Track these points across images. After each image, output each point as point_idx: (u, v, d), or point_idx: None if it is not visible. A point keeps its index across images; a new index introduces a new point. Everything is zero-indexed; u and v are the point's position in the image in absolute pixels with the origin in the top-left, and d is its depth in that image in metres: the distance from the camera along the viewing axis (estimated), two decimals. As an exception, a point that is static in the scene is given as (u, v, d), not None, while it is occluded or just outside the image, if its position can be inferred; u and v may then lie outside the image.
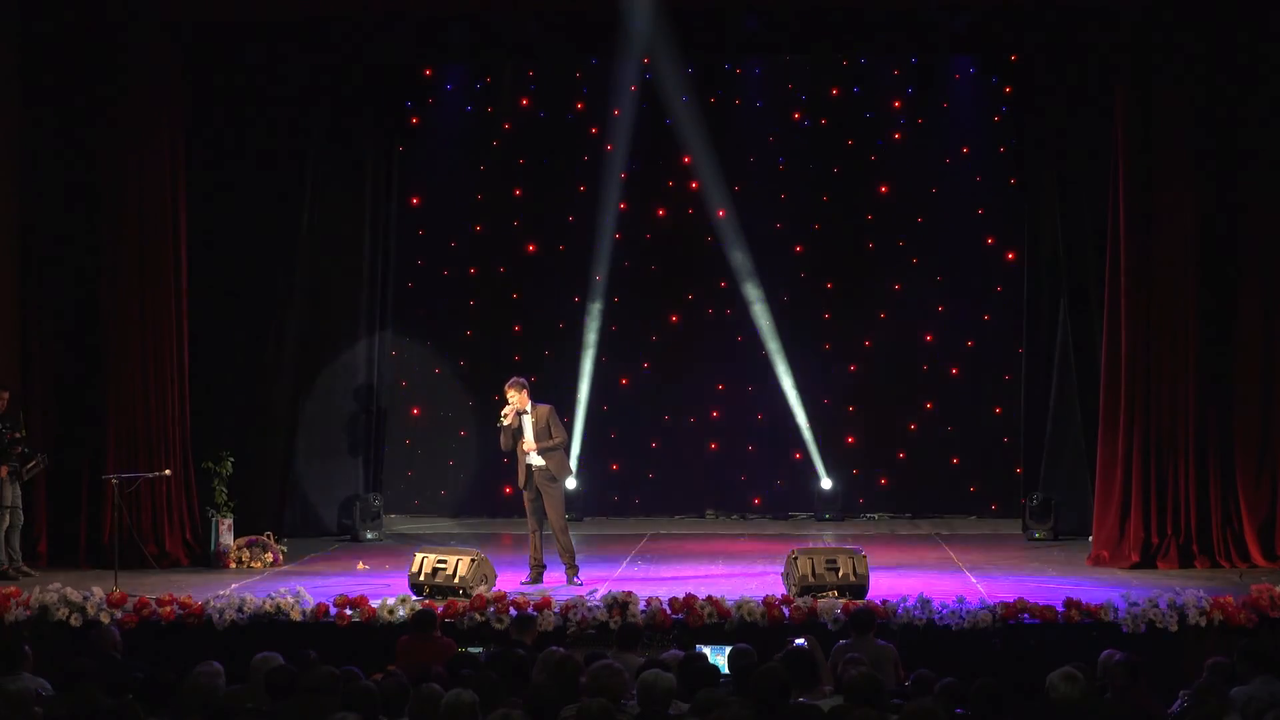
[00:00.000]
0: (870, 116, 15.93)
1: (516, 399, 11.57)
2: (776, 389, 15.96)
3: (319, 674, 6.76)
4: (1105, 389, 12.98)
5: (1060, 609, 10.06)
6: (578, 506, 14.96)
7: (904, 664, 8.56)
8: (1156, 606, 10.00)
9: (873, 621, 8.94)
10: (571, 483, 13.48)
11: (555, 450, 11.63)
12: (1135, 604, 10.05)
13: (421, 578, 11.04)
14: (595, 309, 15.87)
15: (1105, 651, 7.53)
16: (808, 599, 10.30)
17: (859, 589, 10.72)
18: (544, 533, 11.72)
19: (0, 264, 12.90)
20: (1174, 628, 9.93)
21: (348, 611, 10.40)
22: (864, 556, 10.97)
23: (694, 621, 10.12)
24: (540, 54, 15.43)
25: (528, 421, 11.57)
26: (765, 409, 16.21)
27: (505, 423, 11.54)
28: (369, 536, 14.70)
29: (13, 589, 10.89)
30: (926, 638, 9.91)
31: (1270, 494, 12.55)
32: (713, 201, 15.77)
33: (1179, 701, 7.04)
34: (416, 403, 16.67)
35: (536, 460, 11.58)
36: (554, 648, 7.97)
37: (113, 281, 13.09)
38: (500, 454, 15.85)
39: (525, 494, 11.66)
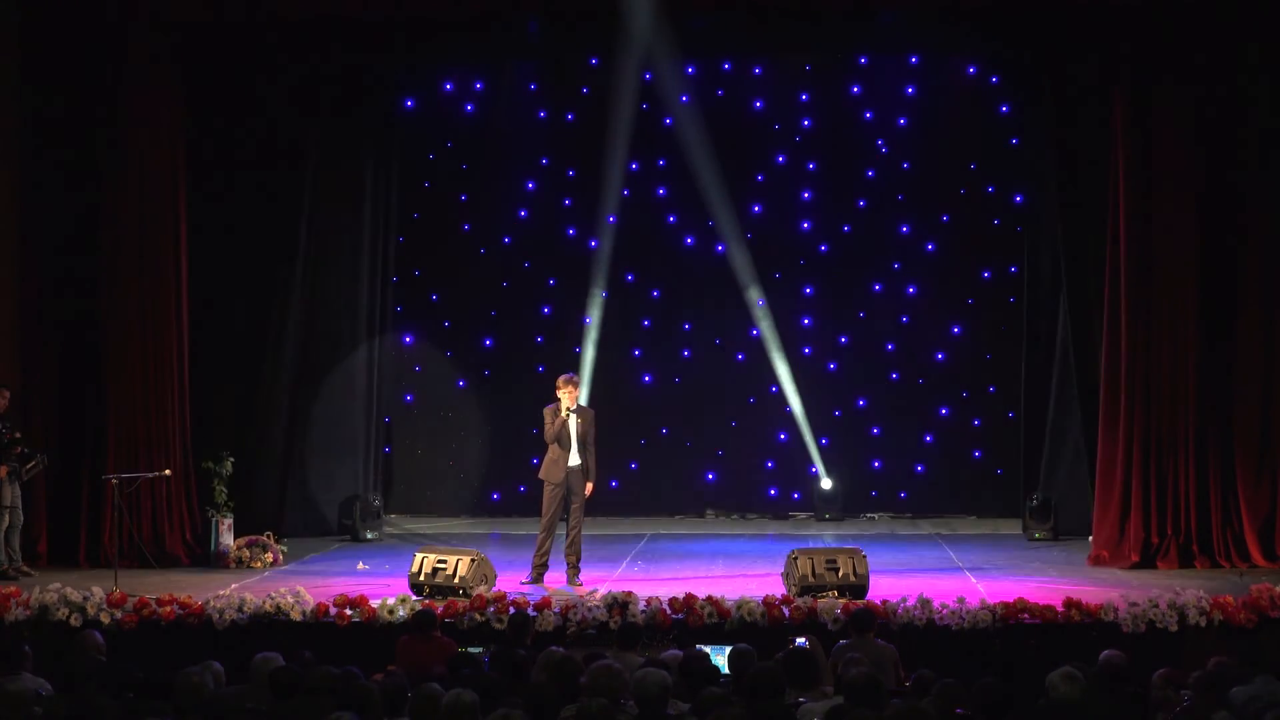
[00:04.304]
0: (870, 117, 15.92)
1: (571, 395, 11.61)
2: (776, 389, 15.97)
3: (319, 674, 6.76)
4: (1105, 389, 12.99)
5: (1060, 609, 10.07)
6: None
7: (904, 664, 8.56)
8: (1156, 606, 10.00)
9: (873, 621, 8.94)
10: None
11: (590, 453, 11.71)
12: (1135, 604, 10.05)
13: (421, 578, 11.04)
14: (596, 309, 15.88)
15: (1105, 652, 7.53)
16: (808, 599, 10.30)
17: (859, 589, 10.72)
18: (555, 535, 11.70)
19: (0, 264, 12.89)
20: (1174, 628, 9.93)
21: (348, 611, 10.40)
22: (864, 556, 10.97)
23: (694, 621, 10.12)
24: (540, 54, 15.43)
25: (573, 419, 11.61)
26: (765, 409, 16.20)
27: (560, 417, 11.60)
28: (369, 536, 14.70)
29: (13, 589, 10.89)
30: (926, 638, 9.91)
31: (1270, 494, 12.56)
32: (713, 202, 15.78)
33: (1183, 700, 7.03)
34: (417, 403, 16.66)
35: (575, 459, 11.61)
36: (554, 648, 7.98)
37: (113, 281, 13.10)
38: (500, 454, 16.10)
39: (554, 491, 11.62)
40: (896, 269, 16.13)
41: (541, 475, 11.77)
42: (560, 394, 11.66)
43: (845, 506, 15.95)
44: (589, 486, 11.76)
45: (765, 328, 15.84)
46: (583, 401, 12.07)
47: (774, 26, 14.13)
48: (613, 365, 16.04)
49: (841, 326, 16.16)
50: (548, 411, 11.73)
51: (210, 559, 13.02)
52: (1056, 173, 14.49)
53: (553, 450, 11.67)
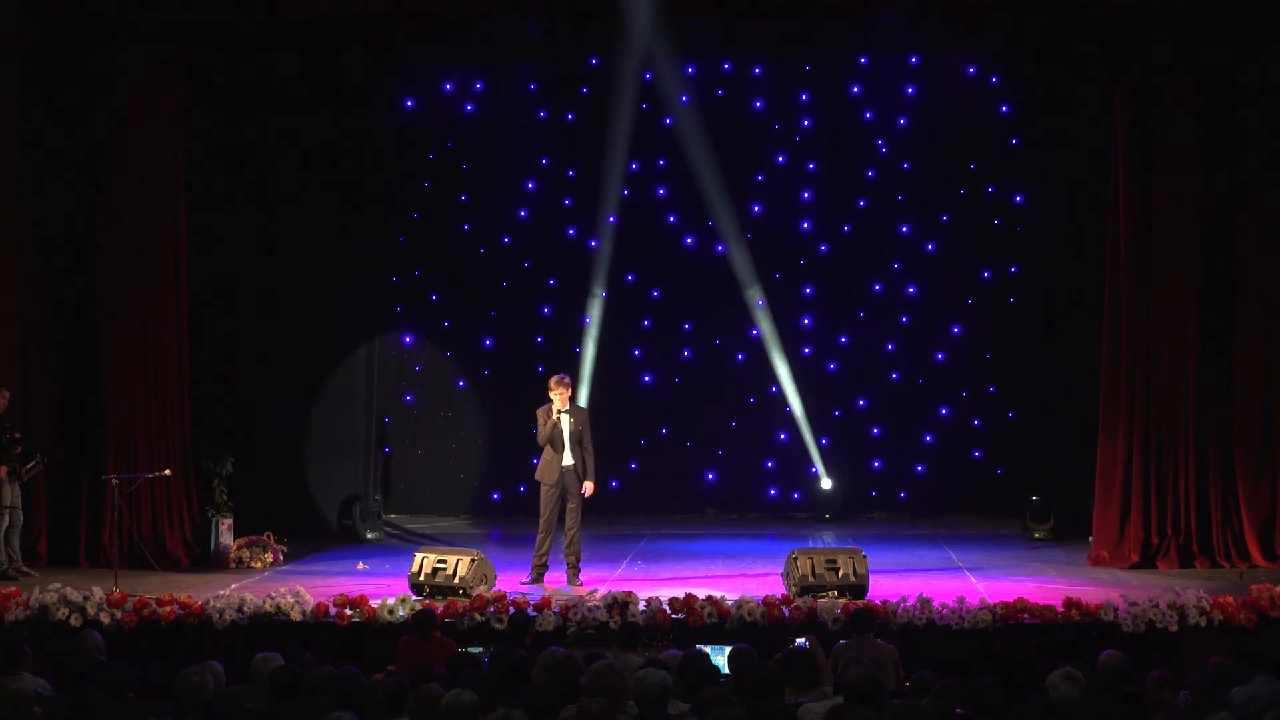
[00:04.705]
0: (870, 117, 15.92)
1: (561, 396, 11.61)
2: (777, 389, 15.98)
3: (319, 674, 6.76)
4: (1105, 389, 12.99)
5: (1060, 609, 10.07)
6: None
7: (904, 664, 8.56)
8: (1156, 606, 10.00)
9: (873, 621, 8.94)
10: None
11: (588, 452, 11.69)
12: (1135, 604, 10.05)
13: (421, 578, 11.04)
14: (596, 309, 15.88)
15: (1105, 652, 7.53)
16: (808, 599, 10.30)
17: (859, 589, 10.72)
18: (554, 535, 11.69)
19: (0, 264, 12.89)
20: (1174, 628, 9.93)
21: (348, 611, 10.40)
22: (864, 556, 10.97)
23: (694, 621, 10.12)
24: (540, 54, 15.43)
25: (565, 420, 11.60)
26: (765, 409, 16.20)
27: (552, 419, 11.59)
28: (369, 536, 14.72)
29: (13, 589, 10.88)
30: (926, 638, 9.91)
31: (1270, 494, 12.56)
32: (713, 202, 15.79)
33: (1182, 701, 7.03)
34: (417, 403, 16.66)
35: (569, 459, 11.60)
36: (554, 648, 7.98)
37: (112, 281, 13.10)
38: (500, 454, 16.09)
39: (550, 492, 11.61)
40: (896, 269, 16.11)
41: (537, 476, 11.77)
42: (552, 395, 11.67)
43: (845, 506, 15.96)
44: (588, 486, 11.72)
45: (765, 328, 15.84)
46: (582, 403, 12.07)
47: (774, 26, 14.13)
48: (613, 365, 16.04)
49: (841, 326, 16.15)
50: (540, 413, 11.74)
51: (210, 559, 13.03)
52: (1056, 173, 14.52)
53: (547, 451, 11.67)
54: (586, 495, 11.69)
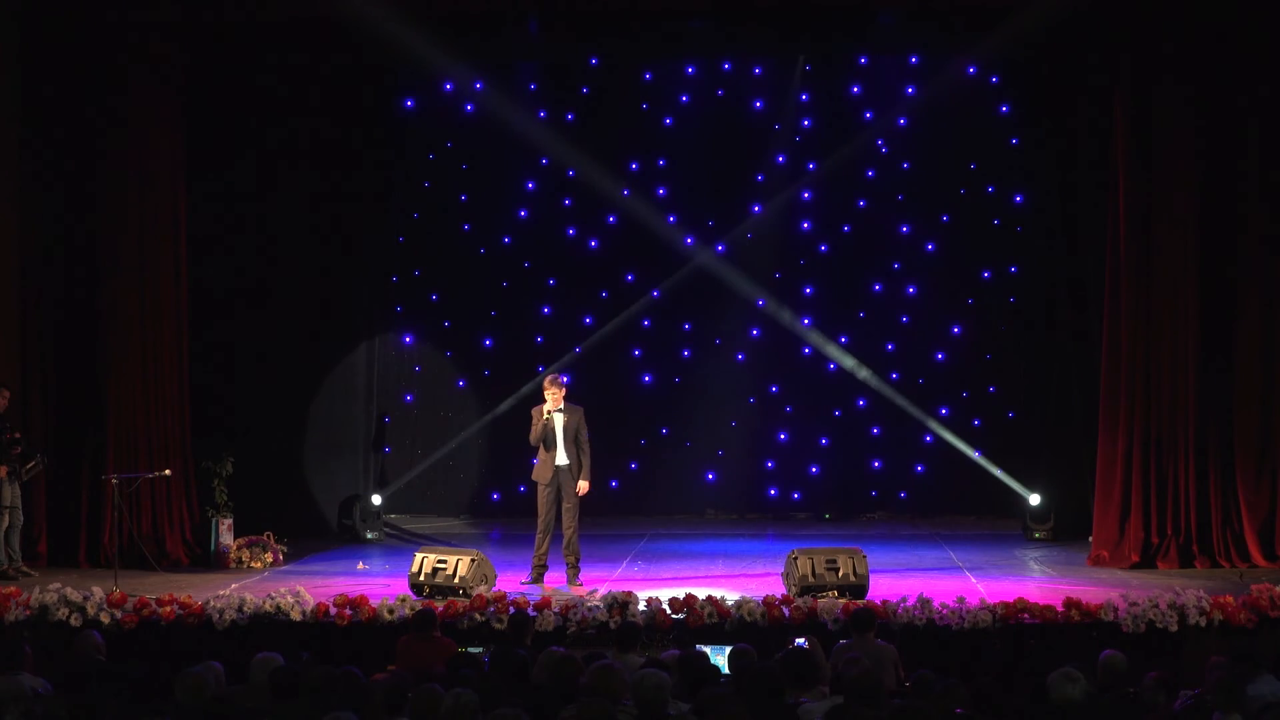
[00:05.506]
0: (870, 117, 15.91)
1: (554, 396, 11.60)
2: (777, 389, 15.98)
3: (319, 674, 6.76)
4: (1105, 389, 12.99)
5: (1060, 609, 10.07)
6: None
7: (904, 664, 8.56)
8: (1156, 606, 10.00)
9: (873, 621, 8.93)
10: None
11: (584, 451, 11.67)
12: (1135, 604, 10.05)
13: (421, 578, 11.04)
14: (596, 310, 15.87)
15: (1105, 652, 7.53)
16: (808, 599, 10.30)
17: (859, 589, 10.72)
18: (553, 535, 11.68)
19: (0, 264, 12.89)
20: (1174, 628, 9.93)
21: (348, 611, 10.40)
22: (864, 556, 10.97)
23: (694, 621, 10.12)
24: (540, 54, 15.44)
25: (558, 419, 11.59)
26: (765, 409, 16.20)
27: (544, 418, 11.58)
28: (369, 536, 14.73)
29: (13, 589, 10.88)
30: (926, 638, 9.91)
31: (1270, 494, 12.56)
32: (713, 202, 15.79)
33: (1181, 700, 7.03)
34: (417, 403, 16.66)
35: (563, 459, 11.60)
36: (554, 648, 7.97)
37: (113, 281, 13.10)
38: (500, 454, 16.09)
39: (545, 491, 11.60)
40: (896, 269, 16.12)
41: (534, 476, 11.77)
42: (546, 394, 11.66)
43: (845, 506, 15.96)
44: (583, 486, 11.65)
45: (767, 328, 15.83)
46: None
47: (774, 26, 14.13)
48: (613, 365, 16.04)
49: (841, 326, 16.13)
50: (535, 412, 11.74)
51: (210, 559, 13.03)
52: (1056, 173, 14.52)
53: (541, 451, 11.67)
54: (581, 494, 11.67)
